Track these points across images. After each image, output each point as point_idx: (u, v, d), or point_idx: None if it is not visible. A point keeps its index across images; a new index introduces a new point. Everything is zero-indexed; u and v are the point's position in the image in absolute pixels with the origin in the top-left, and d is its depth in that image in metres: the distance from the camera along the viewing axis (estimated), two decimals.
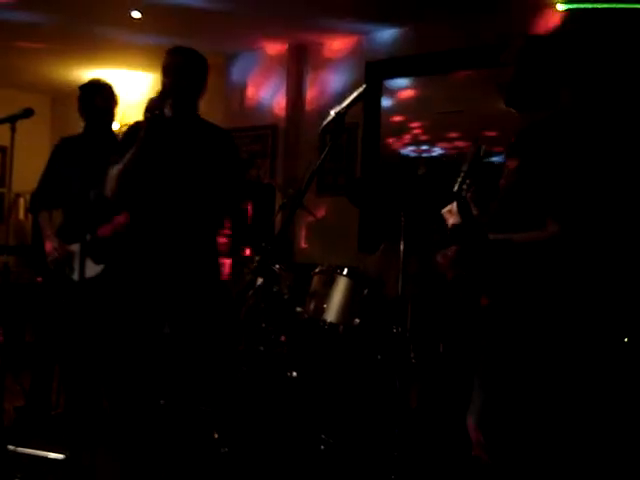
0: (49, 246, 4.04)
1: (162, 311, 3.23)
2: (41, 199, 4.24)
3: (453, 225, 2.52)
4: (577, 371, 2.48)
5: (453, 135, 4.98)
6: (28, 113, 3.56)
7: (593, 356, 2.54)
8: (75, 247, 3.96)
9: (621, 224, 3.66)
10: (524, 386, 2.48)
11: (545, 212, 2.43)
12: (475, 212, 2.50)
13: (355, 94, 2.54)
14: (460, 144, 4.93)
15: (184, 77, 3.23)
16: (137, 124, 3.27)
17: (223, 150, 3.31)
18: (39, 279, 4.56)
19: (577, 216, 2.43)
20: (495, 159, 3.75)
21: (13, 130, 3.58)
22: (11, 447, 3.72)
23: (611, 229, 3.41)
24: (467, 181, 2.47)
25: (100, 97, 4.14)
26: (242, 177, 3.40)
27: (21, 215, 7.56)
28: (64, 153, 4.18)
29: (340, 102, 2.53)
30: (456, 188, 2.48)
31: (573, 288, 2.48)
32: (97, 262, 3.92)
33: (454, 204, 2.52)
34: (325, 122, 2.52)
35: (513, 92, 2.63)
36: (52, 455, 3.84)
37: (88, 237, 3.83)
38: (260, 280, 3.67)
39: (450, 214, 2.55)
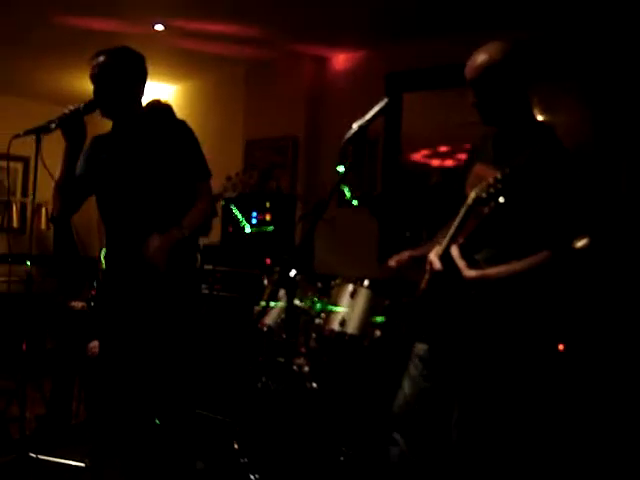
0: None
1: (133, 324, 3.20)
2: None
3: (435, 270, 2.54)
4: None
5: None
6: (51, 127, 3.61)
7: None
8: None
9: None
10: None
11: (538, 242, 2.43)
12: (461, 265, 2.49)
13: (377, 108, 2.57)
14: None
15: (107, 82, 3.12)
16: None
17: (171, 141, 3.19)
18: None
19: (568, 238, 2.45)
20: None
21: (38, 141, 3.63)
22: (33, 455, 3.76)
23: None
24: (456, 237, 2.50)
25: None
26: (202, 161, 3.28)
27: (43, 225, 7.64)
28: None
29: (362, 115, 2.56)
30: (446, 242, 2.52)
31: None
32: None
33: (438, 250, 2.55)
34: (348, 135, 2.55)
35: (488, 110, 2.62)
36: (73, 463, 3.88)
37: None
38: (282, 291, 3.67)
39: (436, 257, 2.56)
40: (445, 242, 2.52)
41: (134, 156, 3.16)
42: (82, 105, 3.13)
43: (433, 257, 2.57)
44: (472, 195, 2.44)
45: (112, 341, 3.26)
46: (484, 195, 2.39)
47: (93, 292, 3.32)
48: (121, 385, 3.21)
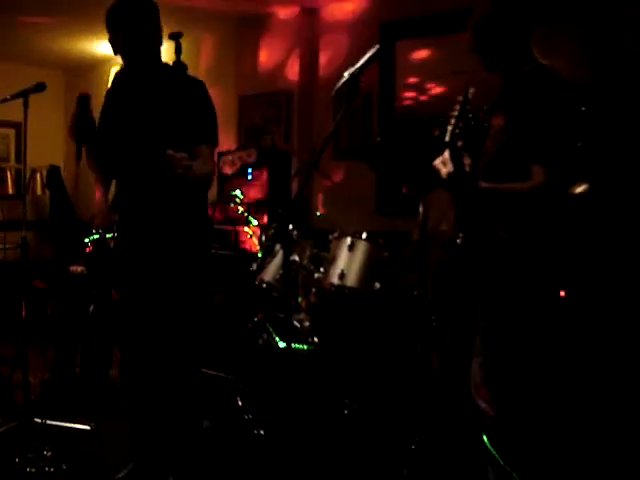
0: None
1: (146, 279, 3.14)
2: None
3: (447, 174, 2.51)
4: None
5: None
6: (40, 87, 3.55)
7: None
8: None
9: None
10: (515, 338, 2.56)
11: (530, 158, 2.44)
12: (468, 161, 2.51)
13: (368, 55, 2.51)
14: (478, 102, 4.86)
15: (134, 29, 2.99)
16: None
17: (189, 99, 3.10)
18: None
19: (561, 162, 2.45)
20: None
21: (26, 105, 3.59)
22: (38, 420, 3.77)
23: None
24: (459, 125, 2.48)
25: None
26: (212, 126, 3.18)
27: (39, 190, 7.59)
28: None
29: (354, 64, 2.50)
30: (447, 137, 2.52)
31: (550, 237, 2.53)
32: None
33: (445, 154, 2.53)
34: (338, 84, 2.49)
35: (489, 56, 2.64)
36: (79, 426, 3.90)
37: None
38: (278, 246, 3.64)
39: (443, 164, 2.54)
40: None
41: (154, 106, 3.07)
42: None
43: (438, 163, 2.56)
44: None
45: (130, 291, 3.23)
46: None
47: (88, 250, 3.27)
48: (140, 338, 3.19)
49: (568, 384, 3.30)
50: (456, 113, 2.55)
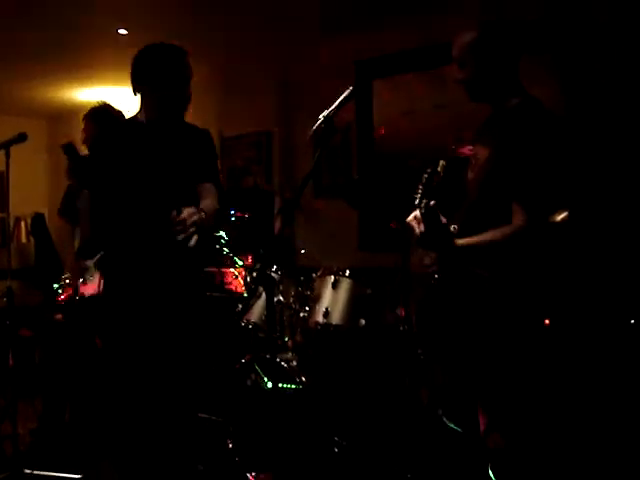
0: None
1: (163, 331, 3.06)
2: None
3: (420, 233, 2.49)
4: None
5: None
6: (22, 138, 3.59)
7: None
8: (89, 262, 3.97)
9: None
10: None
11: (513, 197, 2.43)
12: (443, 220, 2.47)
13: (342, 96, 2.56)
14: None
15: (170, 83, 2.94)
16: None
17: (203, 146, 3.12)
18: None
19: (543, 203, 2.44)
20: None
21: (8, 156, 3.63)
22: (27, 470, 3.74)
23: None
24: (429, 191, 2.47)
25: None
26: (216, 167, 3.20)
27: (23, 238, 7.59)
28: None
29: (329, 105, 2.55)
30: (417, 201, 2.47)
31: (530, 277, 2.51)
32: None
33: (417, 211, 2.49)
34: (314, 127, 2.54)
35: (475, 85, 2.61)
36: (69, 476, 3.87)
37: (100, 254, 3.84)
38: (261, 289, 3.66)
39: (416, 221, 2.51)
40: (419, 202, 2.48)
41: (173, 156, 3.04)
42: None
43: (412, 220, 2.54)
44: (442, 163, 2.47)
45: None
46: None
47: (60, 299, 3.29)
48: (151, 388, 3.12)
49: (565, 407, 3.31)
50: (422, 185, 2.49)
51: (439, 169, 2.47)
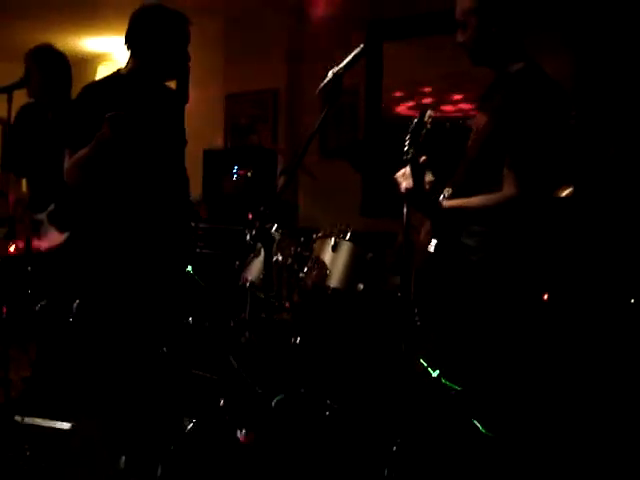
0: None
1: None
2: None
3: (406, 189, 2.46)
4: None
5: (457, 97, 4.90)
6: (24, 82, 3.54)
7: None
8: (41, 216, 3.91)
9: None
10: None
11: (506, 163, 2.39)
12: (430, 178, 2.46)
13: (353, 54, 2.50)
14: (464, 106, 4.87)
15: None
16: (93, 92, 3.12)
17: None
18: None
19: (538, 174, 2.39)
20: None
21: (10, 100, 3.57)
22: (18, 418, 3.74)
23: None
24: (412, 147, 2.41)
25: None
26: None
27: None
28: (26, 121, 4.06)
29: (338, 63, 2.49)
30: (406, 155, 2.42)
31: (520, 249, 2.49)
32: (62, 230, 3.87)
33: (407, 168, 2.45)
34: (323, 83, 2.48)
35: (476, 49, 2.57)
36: (59, 425, 3.87)
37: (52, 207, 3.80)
38: (259, 245, 3.62)
39: (403, 177, 2.49)
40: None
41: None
42: None
43: (399, 176, 2.52)
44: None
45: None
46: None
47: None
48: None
49: (558, 386, 3.30)
50: (409, 135, 2.43)
51: (426, 119, 2.42)
